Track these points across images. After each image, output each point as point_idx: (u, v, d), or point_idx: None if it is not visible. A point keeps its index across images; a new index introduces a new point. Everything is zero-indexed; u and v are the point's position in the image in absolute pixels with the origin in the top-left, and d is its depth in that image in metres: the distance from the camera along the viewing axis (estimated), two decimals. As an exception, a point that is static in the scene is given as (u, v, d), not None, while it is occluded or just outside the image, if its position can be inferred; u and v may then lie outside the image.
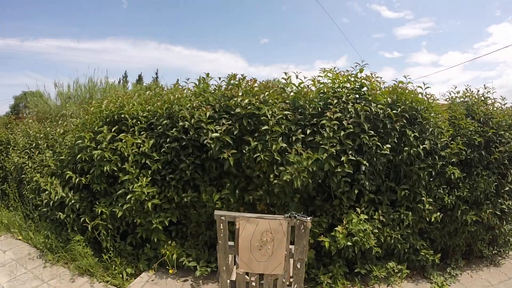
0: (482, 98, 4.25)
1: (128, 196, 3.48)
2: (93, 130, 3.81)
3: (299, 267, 2.62)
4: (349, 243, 3.33)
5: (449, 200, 3.76)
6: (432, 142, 3.65)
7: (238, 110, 3.39)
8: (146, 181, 3.52)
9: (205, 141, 3.35)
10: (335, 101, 3.42)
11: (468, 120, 3.93)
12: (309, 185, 3.36)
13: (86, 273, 3.68)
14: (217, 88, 3.84)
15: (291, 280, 2.71)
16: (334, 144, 3.25)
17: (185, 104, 3.64)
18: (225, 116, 3.50)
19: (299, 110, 3.58)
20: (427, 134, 3.64)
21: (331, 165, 3.23)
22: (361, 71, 3.71)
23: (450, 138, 3.79)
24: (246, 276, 2.70)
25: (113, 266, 3.65)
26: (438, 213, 3.73)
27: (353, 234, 3.36)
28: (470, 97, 4.27)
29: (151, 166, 3.60)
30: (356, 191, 3.43)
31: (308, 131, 3.39)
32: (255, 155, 3.31)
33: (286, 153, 3.41)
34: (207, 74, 3.93)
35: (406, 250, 3.79)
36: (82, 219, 3.70)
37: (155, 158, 3.62)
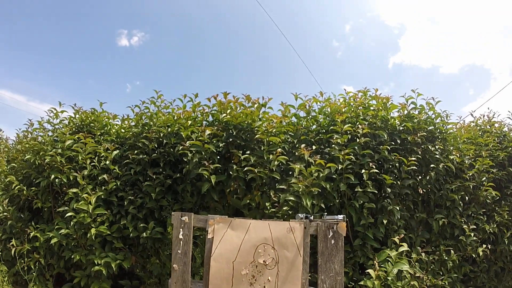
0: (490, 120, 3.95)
1: (68, 214, 2.55)
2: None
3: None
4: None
5: (490, 229, 3.03)
6: (459, 157, 3.09)
7: (226, 118, 2.78)
8: (96, 196, 2.60)
9: (180, 151, 2.64)
10: (345, 115, 2.84)
11: (486, 135, 3.53)
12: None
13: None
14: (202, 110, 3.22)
15: None
16: (350, 154, 2.57)
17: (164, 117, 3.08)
18: (210, 126, 2.87)
19: (302, 128, 3.00)
20: (452, 149, 3.11)
21: (350, 182, 2.50)
22: (365, 93, 3.24)
23: (473, 157, 3.28)
24: None
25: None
26: (484, 245, 2.95)
27: (389, 286, 2.42)
28: (480, 120, 3.96)
29: (109, 182, 2.75)
30: (384, 222, 2.61)
31: (314, 147, 2.74)
32: (245, 169, 2.55)
33: (289, 174, 2.69)
34: (196, 95, 3.24)
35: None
36: (11, 242, 2.76)
37: (114, 171, 2.80)
